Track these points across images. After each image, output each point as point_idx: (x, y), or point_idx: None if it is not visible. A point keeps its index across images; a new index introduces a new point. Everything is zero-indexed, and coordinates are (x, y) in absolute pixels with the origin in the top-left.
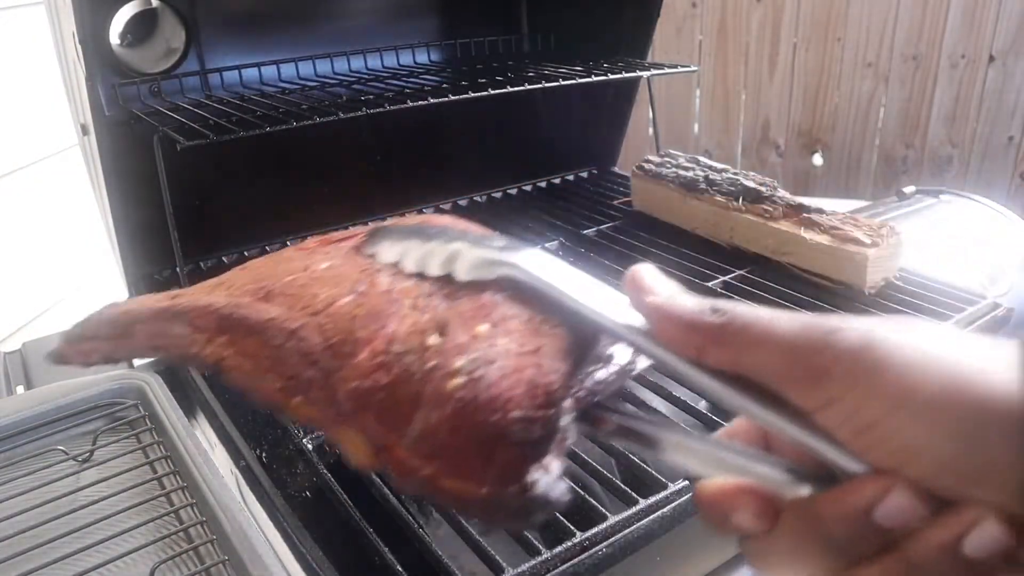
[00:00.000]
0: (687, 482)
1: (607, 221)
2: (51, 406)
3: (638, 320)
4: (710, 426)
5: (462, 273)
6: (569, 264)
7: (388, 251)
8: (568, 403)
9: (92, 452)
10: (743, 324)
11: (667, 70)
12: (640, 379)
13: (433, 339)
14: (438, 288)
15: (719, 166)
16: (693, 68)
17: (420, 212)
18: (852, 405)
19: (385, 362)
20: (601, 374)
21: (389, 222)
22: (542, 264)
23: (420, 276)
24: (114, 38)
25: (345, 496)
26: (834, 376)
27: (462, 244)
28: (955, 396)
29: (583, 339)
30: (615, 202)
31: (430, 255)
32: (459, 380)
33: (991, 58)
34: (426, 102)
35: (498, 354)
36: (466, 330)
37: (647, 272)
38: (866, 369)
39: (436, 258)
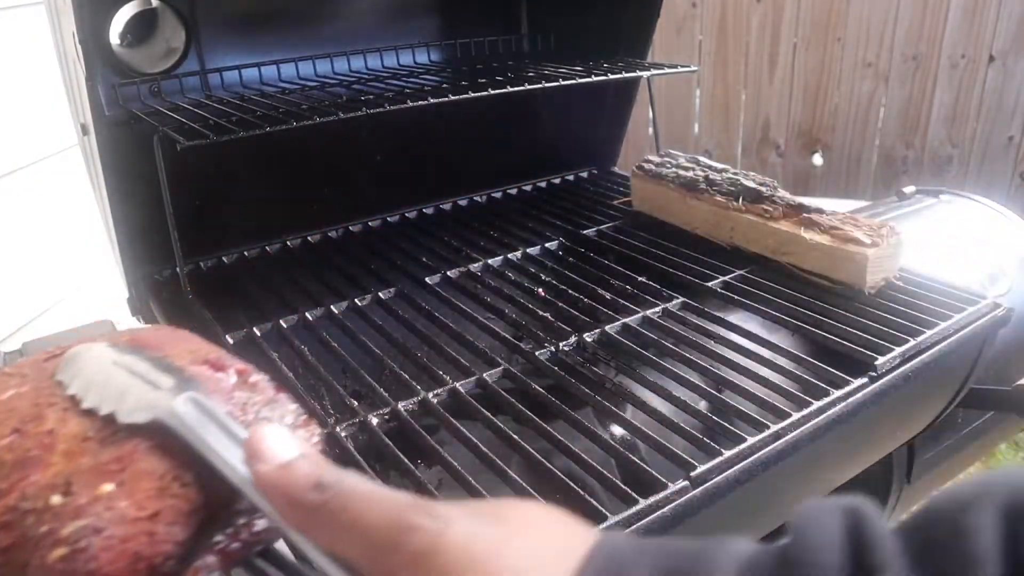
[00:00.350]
0: (686, 483)
1: (607, 221)
2: None
3: None
4: (712, 428)
5: (123, 414)
6: (229, 412)
7: (75, 379)
8: (211, 560)
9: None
10: (337, 507)
11: (667, 70)
12: (640, 378)
13: (56, 498)
14: (98, 431)
15: (719, 166)
16: (693, 68)
17: (421, 212)
18: None
19: (10, 521)
20: (261, 523)
21: (101, 340)
22: (198, 410)
23: (92, 413)
24: (114, 38)
25: None
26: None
27: (135, 378)
28: None
29: (221, 495)
30: (615, 202)
31: (106, 388)
32: (62, 551)
33: (991, 58)
34: (426, 102)
35: (110, 520)
36: (90, 489)
37: (268, 435)
38: None
39: (110, 393)
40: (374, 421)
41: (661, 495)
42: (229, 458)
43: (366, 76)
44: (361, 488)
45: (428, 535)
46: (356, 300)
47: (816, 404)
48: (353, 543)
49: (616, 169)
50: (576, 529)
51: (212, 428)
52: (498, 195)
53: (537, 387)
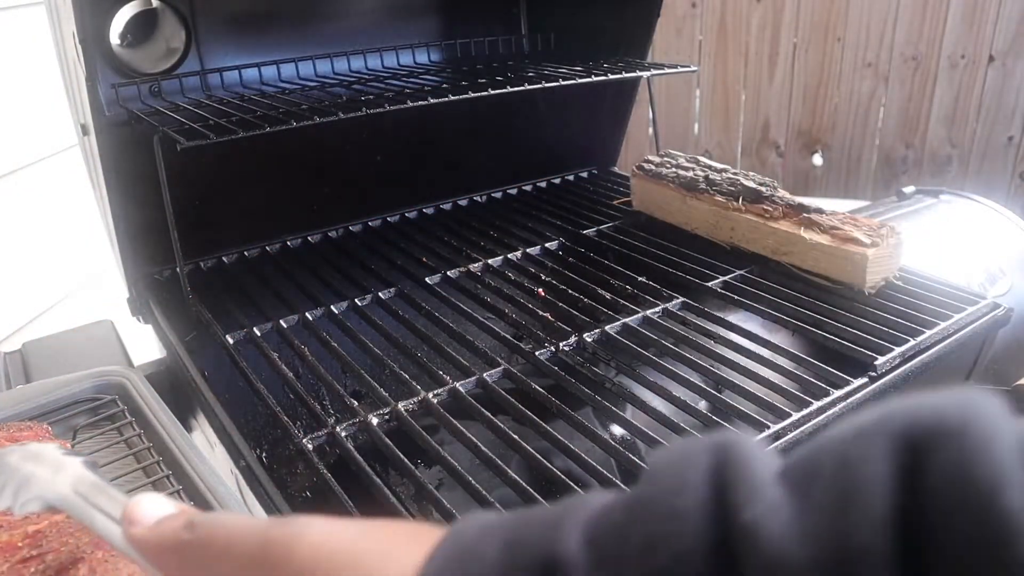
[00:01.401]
0: None
1: (607, 221)
2: (31, 405)
3: None
4: (712, 428)
5: (17, 506)
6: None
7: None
8: None
9: (72, 447)
10: (207, 539)
11: (667, 70)
12: (640, 378)
13: None
14: None
15: (719, 166)
16: (693, 68)
17: (421, 212)
18: None
19: None
20: None
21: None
22: (87, 490)
23: None
24: (114, 38)
25: (345, 496)
26: None
27: (40, 467)
28: None
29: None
30: (615, 202)
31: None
32: None
33: (991, 58)
34: (426, 102)
35: None
36: None
37: (142, 501)
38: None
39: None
40: (374, 421)
41: None
42: (112, 529)
43: (366, 76)
44: (228, 519)
45: (286, 541)
46: (356, 300)
47: (816, 404)
48: (224, 569)
49: (616, 169)
50: (433, 527)
51: (102, 500)
52: (498, 195)
53: (537, 387)
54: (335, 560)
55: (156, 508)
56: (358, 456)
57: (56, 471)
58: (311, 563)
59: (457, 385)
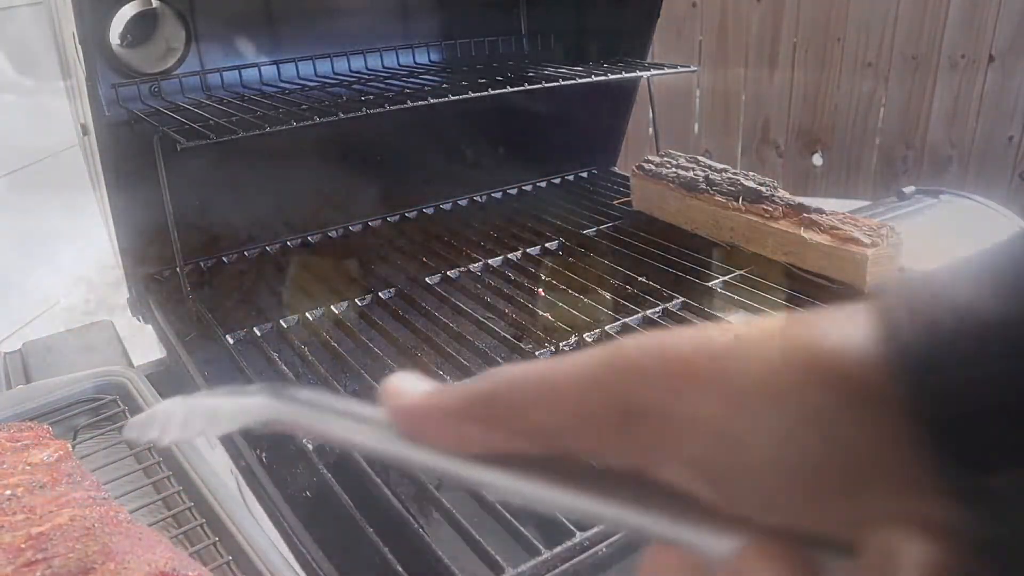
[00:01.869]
0: None
1: (607, 221)
2: (31, 405)
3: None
4: None
5: (212, 432)
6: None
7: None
8: None
9: (72, 448)
10: (514, 380)
11: (667, 70)
12: None
13: None
14: None
15: (719, 166)
16: (693, 68)
17: (421, 212)
18: (682, 422)
19: None
20: None
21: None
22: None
23: None
24: (114, 38)
25: (345, 496)
26: (644, 395)
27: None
28: (798, 371)
29: None
30: (615, 202)
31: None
32: None
33: (991, 58)
34: (426, 102)
35: None
36: None
37: (403, 378)
38: (690, 368)
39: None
40: None
41: None
42: (343, 424)
43: (366, 76)
44: (527, 362)
45: (655, 337)
46: (356, 300)
47: None
48: (556, 401)
49: (616, 169)
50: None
51: (319, 400)
52: (498, 195)
53: None
54: (745, 340)
55: (418, 382)
56: (358, 456)
57: (241, 394)
58: (695, 352)
59: None
